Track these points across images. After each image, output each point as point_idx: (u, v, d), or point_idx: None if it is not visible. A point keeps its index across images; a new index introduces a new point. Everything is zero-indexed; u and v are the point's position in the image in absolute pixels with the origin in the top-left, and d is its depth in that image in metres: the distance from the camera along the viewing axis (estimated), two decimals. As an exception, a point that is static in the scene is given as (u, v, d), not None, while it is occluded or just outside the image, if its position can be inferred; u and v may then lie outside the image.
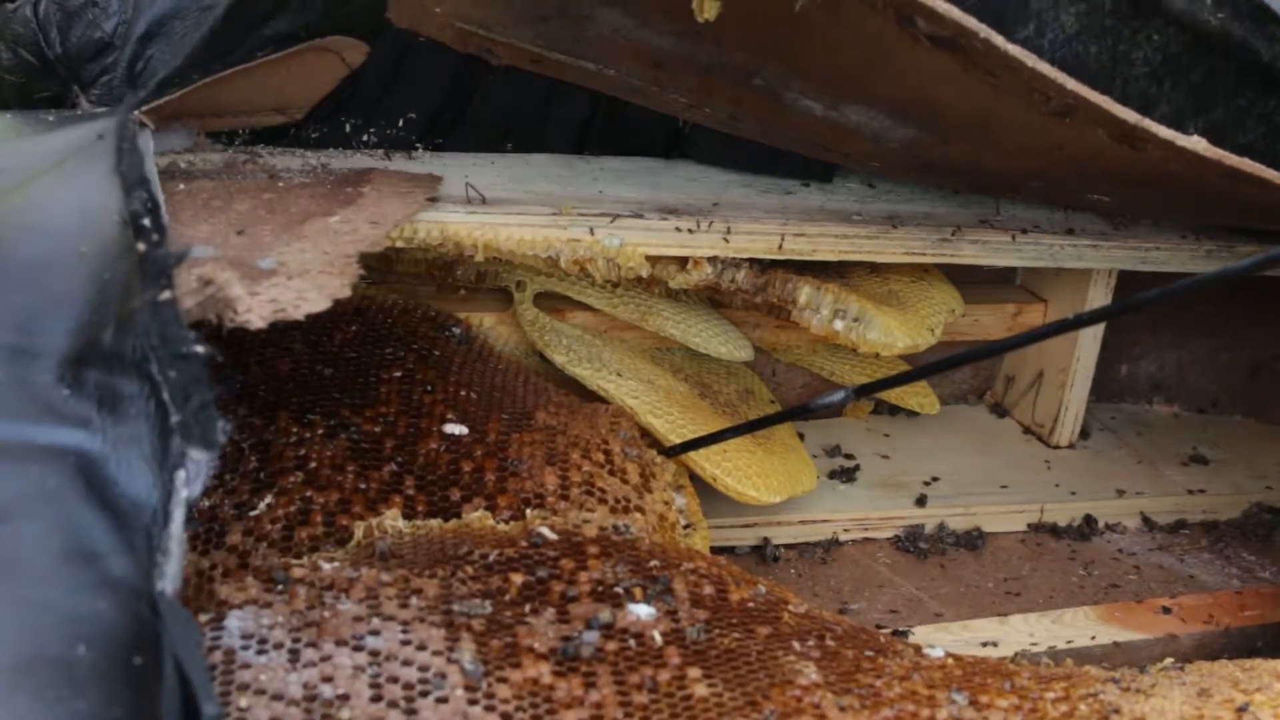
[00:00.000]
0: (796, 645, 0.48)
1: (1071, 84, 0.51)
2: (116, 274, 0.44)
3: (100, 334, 0.42)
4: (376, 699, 0.40)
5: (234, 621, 0.43)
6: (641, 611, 0.47)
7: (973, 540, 0.75)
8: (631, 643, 0.45)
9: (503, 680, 0.42)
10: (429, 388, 0.64)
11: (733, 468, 0.67)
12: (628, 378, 0.70)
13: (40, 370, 0.40)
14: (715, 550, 0.64)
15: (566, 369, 0.71)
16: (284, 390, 0.63)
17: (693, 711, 0.43)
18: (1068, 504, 0.79)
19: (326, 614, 0.44)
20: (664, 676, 0.44)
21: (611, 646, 0.45)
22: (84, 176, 0.54)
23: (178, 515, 0.41)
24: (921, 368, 0.63)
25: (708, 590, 0.50)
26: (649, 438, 0.67)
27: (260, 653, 0.42)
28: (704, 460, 0.67)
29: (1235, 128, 0.56)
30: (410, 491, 0.57)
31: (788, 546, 0.73)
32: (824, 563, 0.71)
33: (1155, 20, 0.69)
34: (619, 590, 0.48)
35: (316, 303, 0.47)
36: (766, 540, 0.72)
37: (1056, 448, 0.86)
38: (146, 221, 0.48)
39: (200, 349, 0.45)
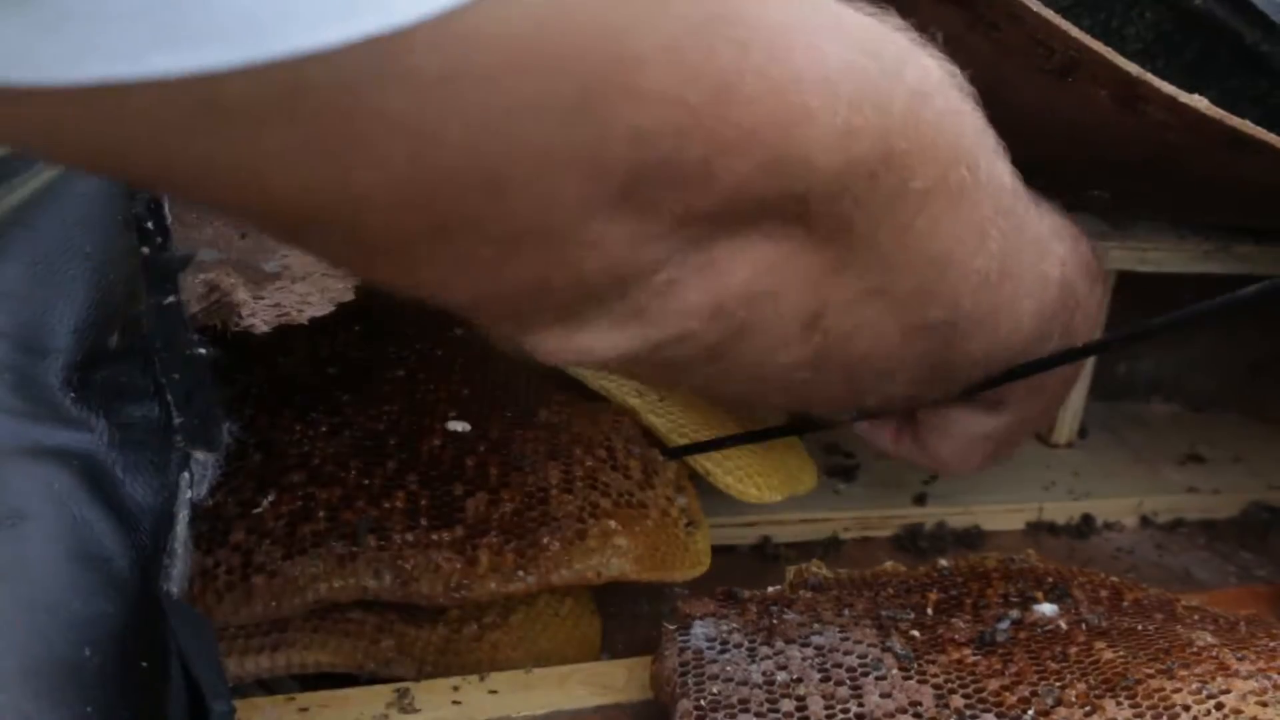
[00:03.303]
0: (1192, 621, 0.53)
1: (1075, 31, 0.51)
2: (120, 277, 0.45)
3: (105, 337, 0.43)
4: (825, 680, 0.49)
5: (698, 628, 0.53)
6: (1046, 609, 0.53)
7: (972, 539, 0.76)
8: (1040, 630, 0.52)
9: (931, 662, 0.50)
10: (431, 386, 0.65)
11: (734, 466, 0.67)
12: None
13: (46, 372, 0.40)
14: (716, 549, 0.64)
15: (567, 369, 0.71)
16: (288, 389, 0.64)
17: (1101, 669, 0.48)
18: (1066, 503, 0.79)
19: (775, 621, 0.53)
20: (1073, 649, 0.50)
21: (1023, 634, 0.52)
22: (87, 177, 0.54)
23: (183, 517, 0.41)
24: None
25: (1103, 593, 0.56)
26: (650, 436, 0.67)
27: (724, 651, 0.51)
28: (705, 459, 0.67)
29: (1229, 110, 0.56)
30: (414, 486, 0.58)
31: (788, 545, 0.73)
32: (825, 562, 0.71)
33: (1145, -5, 0.69)
34: (1023, 597, 0.55)
35: (320, 306, 0.48)
36: (767, 539, 0.72)
37: (1055, 446, 0.86)
38: (150, 224, 0.49)
39: (204, 351, 0.45)
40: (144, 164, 0.24)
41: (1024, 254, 0.45)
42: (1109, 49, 0.52)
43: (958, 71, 0.37)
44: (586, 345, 0.33)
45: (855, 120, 0.32)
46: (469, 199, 0.26)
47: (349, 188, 0.25)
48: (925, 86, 0.35)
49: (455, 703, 0.53)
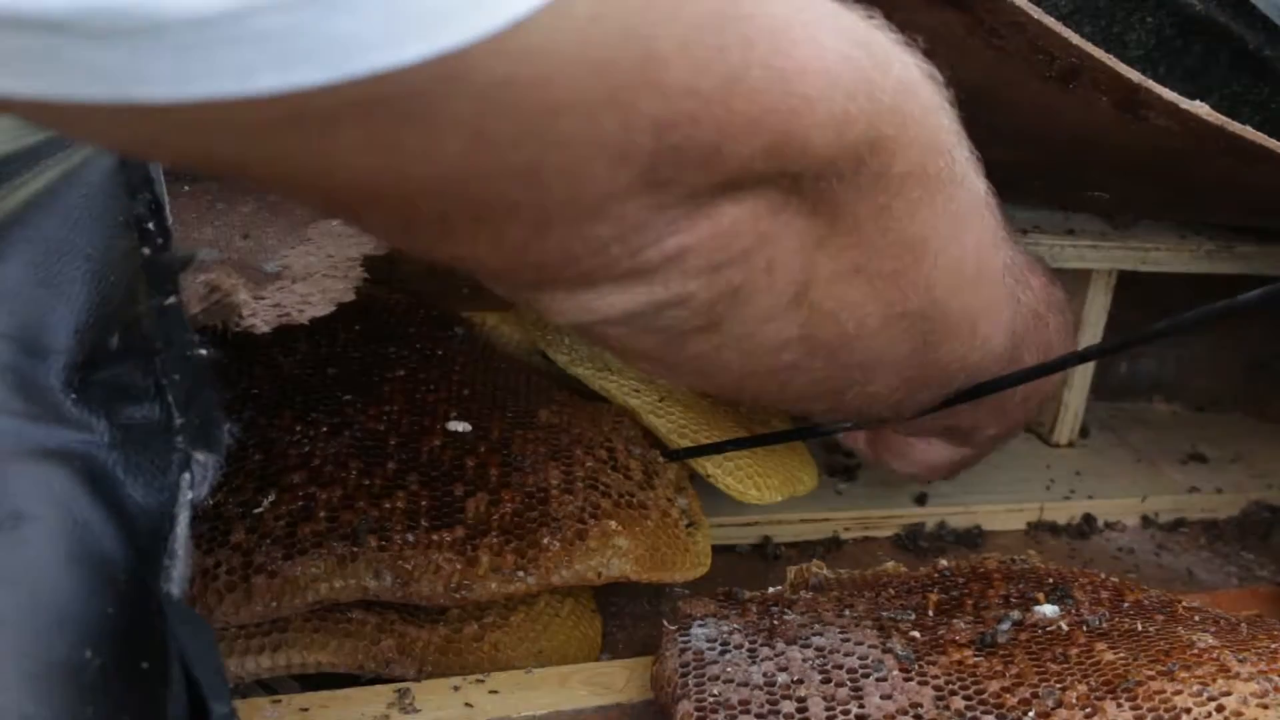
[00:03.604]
0: (1194, 622, 0.53)
1: (1075, 39, 0.51)
2: (121, 278, 0.45)
3: (106, 338, 0.43)
4: (826, 681, 0.49)
5: (699, 629, 0.54)
6: (1047, 610, 0.54)
7: (972, 538, 0.76)
8: (1041, 631, 0.52)
9: (932, 663, 0.50)
10: (432, 387, 0.65)
11: (734, 467, 0.67)
12: (628, 377, 0.71)
13: (47, 373, 0.40)
14: (716, 549, 0.64)
15: (568, 369, 0.71)
16: (288, 390, 0.63)
17: (1102, 671, 0.48)
18: (1067, 502, 0.79)
19: (776, 622, 0.54)
20: (1073, 651, 0.50)
21: (1024, 635, 0.52)
22: (88, 178, 0.54)
23: (183, 518, 0.41)
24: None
25: (1104, 594, 0.56)
26: (651, 437, 0.68)
27: (724, 652, 0.52)
28: (705, 459, 0.67)
29: (1231, 115, 0.56)
30: (414, 487, 0.58)
31: (789, 545, 0.73)
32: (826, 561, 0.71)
33: (1147, 2, 0.69)
34: (1024, 599, 0.55)
35: (320, 307, 0.48)
36: (768, 539, 0.72)
37: (1056, 446, 0.86)
38: (151, 225, 0.49)
39: (205, 352, 0.45)
40: (228, 160, 0.28)
41: (998, 266, 0.48)
42: (1110, 56, 0.52)
43: (938, 74, 0.40)
44: (595, 304, 0.36)
45: (850, 108, 0.34)
46: (509, 185, 0.30)
47: (406, 179, 0.28)
48: (910, 80, 0.38)
49: (456, 703, 0.53)
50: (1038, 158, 0.71)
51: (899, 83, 0.37)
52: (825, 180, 0.36)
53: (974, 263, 0.45)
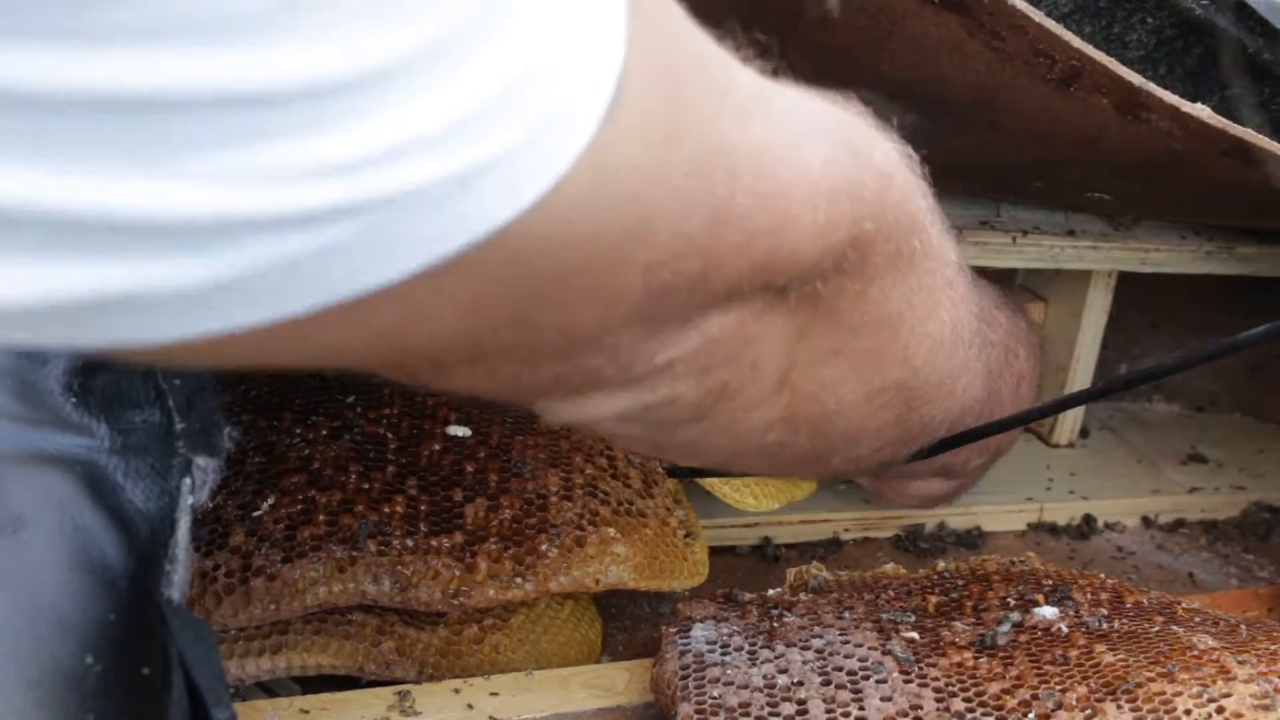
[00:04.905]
0: (1194, 624, 0.53)
1: (1076, 42, 0.51)
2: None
3: (106, 342, 0.43)
4: (826, 683, 0.49)
5: (699, 631, 0.54)
6: (1046, 612, 0.54)
7: (972, 539, 0.76)
8: (1040, 633, 0.52)
9: (932, 665, 0.50)
10: (432, 390, 0.65)
11: (730, 475, 0.67)
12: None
13: (47, 378, 0.40)
14: (716, 550, 0.64)
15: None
16: (288, 391, 0.63)
17: (1101, 672, 0.48)
18: (1067, 503, 0.79)
19: (776, 624, 0.54)
20: (1073, 652, 0.50)
21: (1023, 637, 0.52)
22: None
23: (184, 523, 0.41)
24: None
25: (1103, 596, 0.57)
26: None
27: (724, 654, 0.52)
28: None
29: (1232, 117, 0.56)
30: (413, 492, 0.58)
31: (789, 546, 0.73)
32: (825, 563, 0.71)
33: (1148, 3, 0.69)
34: (1023, 600, 0.55)
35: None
36: (768, 540, 0.72)
37: (1056, 446, 0.86)
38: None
39: (205, 356, 0.45)
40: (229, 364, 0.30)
41: (973, 323, 0.49)
42: (1111, 59, 0.52)
43: (914, 154, 0.40)
44: (587, 409, 0.37)
45: (834, 213, 0.35)
46: (502, 336, 0.30)
47: (404, 349, 0.29)
48: (889, 168, 0.38)
49: (456, 705, 0.53)
50: (1039, 159, 0.71)
51: (879, 174, 0.37)
52: (809, 284, 0.37)
53: (950, 329, 0.46)
